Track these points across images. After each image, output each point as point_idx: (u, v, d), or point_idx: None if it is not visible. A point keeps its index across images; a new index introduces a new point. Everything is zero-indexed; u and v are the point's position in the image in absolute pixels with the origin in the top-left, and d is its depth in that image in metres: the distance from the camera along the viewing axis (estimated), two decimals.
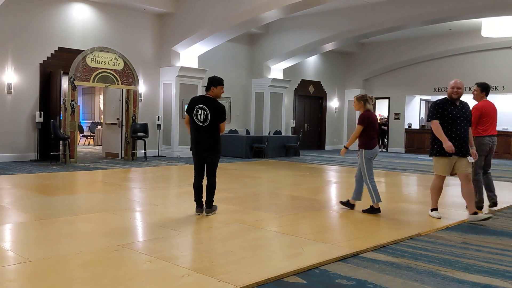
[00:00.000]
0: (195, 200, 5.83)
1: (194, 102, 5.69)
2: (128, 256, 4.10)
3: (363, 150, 6.22)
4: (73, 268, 3.78)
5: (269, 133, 16.56)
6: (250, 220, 5.65)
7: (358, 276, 3.69)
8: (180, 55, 14.23)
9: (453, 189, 9.49)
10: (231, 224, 5.40)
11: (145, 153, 13.24)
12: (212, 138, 5.69)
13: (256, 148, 15.18)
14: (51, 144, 11.72)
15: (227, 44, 15.82)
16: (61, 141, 11.58)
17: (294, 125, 18.86)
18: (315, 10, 14.44)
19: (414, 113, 20.90)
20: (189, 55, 14.42)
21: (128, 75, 12.75)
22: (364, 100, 6.33)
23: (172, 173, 10.51)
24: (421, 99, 21.35)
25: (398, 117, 20.33)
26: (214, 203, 5.89)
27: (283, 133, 17.17)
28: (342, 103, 21.23)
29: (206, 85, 5.84)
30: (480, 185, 6.73)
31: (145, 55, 14.23)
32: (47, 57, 12.21)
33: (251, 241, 4.74)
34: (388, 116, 20.71)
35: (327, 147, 20.61)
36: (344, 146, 6.48)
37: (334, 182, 10.07)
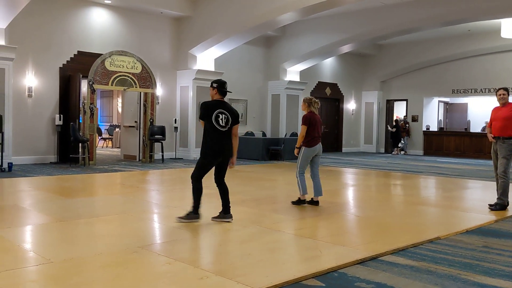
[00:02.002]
0: (196, 203, 5.50)
1: (213, 107, 5.50)
2: (147, 257, 4.14)
3: (303, 147, 6.79)
4: (94, 269, 3.82)
5: (285, 135, 16.54)
6: (267, 222, 5.65)
7: (378, 280, 3.67)
8: (197, 58, 14.32)
9: (473, 192, 9.38)
10: (248, 227, 5.41)
11: (162, 156, 13.34)
12: (231, 142, 5.59)
13: (272, 151, 15.18)
14: (70, 147, 11.87)
15: (244, 47, 15.86)
16: (80, 144, 11.72)
17: None
18: (331, 12, 14.38)
19: (433, 115, 20.68)
20: (206, 58, 14.50)
21: (145, 78, 12.87)
22: (308, 103, 6.88)
23: (189, 176, 10.52)
24: (439, 101, 21.12)
25: (416, 119, 20.13)
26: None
27: None
28: (359, 105, 21.10)
29: (226, 90, 5.68)
30: (508, 186, 6.74)
31: (163, 59, 14.34)
32: (67, 61, 12.39)
33: (268, 243, 4.74)
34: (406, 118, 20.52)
35: (344, 149, 20.50)
36: (296, 146, 6.91)
37: (352, 185, 10.01)
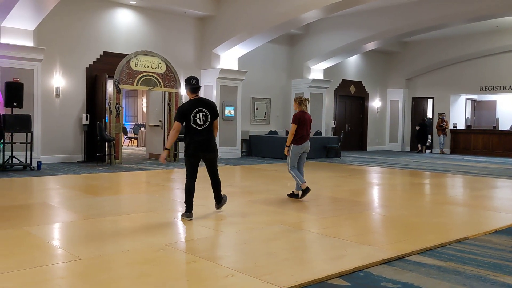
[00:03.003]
0: (186, 203, 5.61)
1: (191, 108, 5.54)
2: (173, 255, 4.18)
3: (292, 145, 7.08)
4: (121, 266, 3.88)
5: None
6: (291, 221, 5.64)
7: (404, 280, 3.62)
8: (220, 57, 14.37)
9: (502, 191, 9.18)
10: (273, 225, 5.41)
11: None
12: (212, 138, 5.72)
13: None
14: (97, 146, 12.07)
15: (267, 46, 15.86)
16: (106, 143, 11.89)
17: (334, 126, 18.68)
18: (355, 10, 14.27)
19: (460, 113, 20.29)
20: (229, 57, 14.54)
21: (170, 78, 12.98)
22: (299, 102, 7.21)
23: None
24: (466, 99, 20.71)
25: (442, 117, 19.77)
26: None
27: (323, 134, 17.04)
28: (384, 103, 20.86)
29: (195, 85, 5.70)
30: None
31: (186, 58, 14.45)
32: (93, 62, 12.60)
33: (293, 242, 4.73)
34: (432, 116, 20.18)
35: (369, 148, 20.31)
36: (286, 145, 7.17)
37: (377, 184, 9.91)
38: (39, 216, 5.91)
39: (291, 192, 7.32)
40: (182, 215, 5.68)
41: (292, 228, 5.29)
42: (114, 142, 11.80)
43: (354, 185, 9.39)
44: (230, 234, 5.06)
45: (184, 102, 5.81)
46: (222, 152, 14.35)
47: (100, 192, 8.01)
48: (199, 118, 5.55)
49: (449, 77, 19.53)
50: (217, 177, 5.90)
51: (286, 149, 7.15)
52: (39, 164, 10.53)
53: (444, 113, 19.47)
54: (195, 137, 5.57)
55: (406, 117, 20.74)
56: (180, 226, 5.55)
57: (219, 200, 5.97)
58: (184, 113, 5.56)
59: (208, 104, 5.69)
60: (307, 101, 7.24)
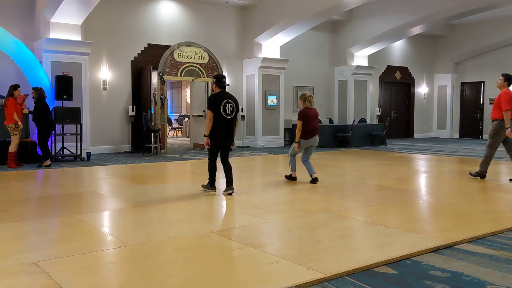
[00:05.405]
0: (212, 179, 6.46)
1: (221, 98, 6.23)
2: (218, 242, 4.23)
3: (301, 139, 7.47)
4: (168, 253, 3.96)
5: (353, 121, 16.23)
6: (336, 209, 5.59)
7: (453, 268, 3.52)
8: (262, 46, 14.34)
9: None
10: (317, 213, 5.38)
11: None
12: (234, 128, 6.43)
13: (340, 137, 14.95)
14: (143, 136, 12.36)
15: (309, 33, 15.68)
16: (152, 133, 12.16)
17: (379, 113, 18.31)
18: None
19: None
20: (271, 46, 14.48)
21: (212, 68, 13.08)
22: (303, 99, 7.53)
23: (256, 163, 10.65)
24: None
25: (493, 102, 18.96)
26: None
27: (368, 122, 16.76)
28: (432, 89, 20.25)
29: (225, 83, 6.41)
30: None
31: (228, 48, 14.50)
32: (138, 54, 12.86)
33: (338, 230, 4.68)
34: (483, 101, 19.40)
35: (416, 135, 19.81)
36: (295, 141, 7.55)
37: (424, 172, 9.65)
38: (89, 204, 6.12)
39: (289, 175, 7.70)
40: (206, 186, 6.54)
41: (337, 216, 5.24)
42: (160, 132, 12.04)
43: (400, 173, 9.19)
44: (274, 222, 5.07)
45: (213, 94, 6.42)
46: (265, 141, 14.38)
47: (146, 181, 8.20)
48: (228, 108, 6.25)
49: (500, 60, 18.69)
50: (229, 161, 6.51)
51: (296, 145, 7.47)
52: (88, 154, 10.89)
53: None
54: (223, 126, 6.25)
55: (454, 103, 20.05)
56: (224, 214, 5.61)
57: (229, 182, 6.44)
58: (216, 103, 6.23)
59: (233, 98, 6.42)
60: (311, 97, 7.60)
